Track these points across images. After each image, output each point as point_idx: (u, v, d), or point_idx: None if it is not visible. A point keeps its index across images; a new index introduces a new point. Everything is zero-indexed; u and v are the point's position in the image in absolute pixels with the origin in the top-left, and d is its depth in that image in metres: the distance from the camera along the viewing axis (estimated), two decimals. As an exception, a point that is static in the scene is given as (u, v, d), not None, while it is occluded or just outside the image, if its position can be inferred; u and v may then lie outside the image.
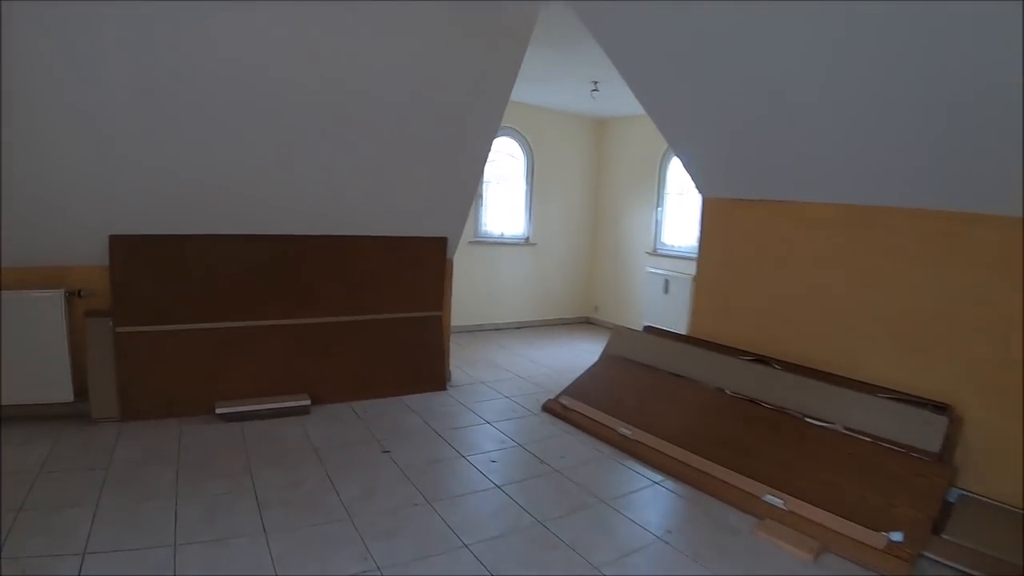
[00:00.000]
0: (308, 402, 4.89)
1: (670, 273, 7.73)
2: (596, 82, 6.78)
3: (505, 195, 8.61)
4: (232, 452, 4.12)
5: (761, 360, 4.71)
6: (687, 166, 5.31)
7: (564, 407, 5.08)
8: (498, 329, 8.46)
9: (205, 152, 4.25)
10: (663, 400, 4.77)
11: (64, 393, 4.44)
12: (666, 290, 7.75)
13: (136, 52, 3.63)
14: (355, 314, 5.29)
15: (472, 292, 7.87)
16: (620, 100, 7.36)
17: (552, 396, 5.33)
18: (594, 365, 5.54)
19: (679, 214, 8.12)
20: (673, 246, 8.17)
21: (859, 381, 4.16)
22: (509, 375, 6.39)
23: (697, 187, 5.46)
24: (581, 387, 5.33)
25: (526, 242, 8.82)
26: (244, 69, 3.93)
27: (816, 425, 4.01)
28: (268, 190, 4.64)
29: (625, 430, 4.53)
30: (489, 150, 5.30)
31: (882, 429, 3.75)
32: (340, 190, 4.87)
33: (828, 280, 4.47)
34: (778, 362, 4.62)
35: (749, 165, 4.71)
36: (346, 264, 5.21)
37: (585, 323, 9.31)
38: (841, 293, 4.39)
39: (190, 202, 4.49)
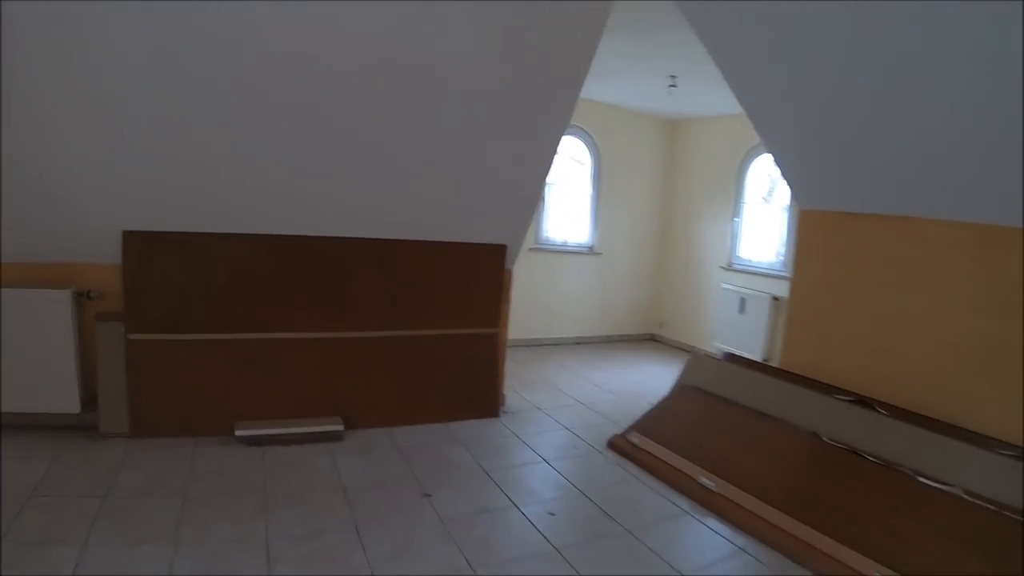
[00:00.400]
0: (341, 427, 4.30)
1: (746, 291, 7.06)
2: (674, 77, 6.08)
3: (569, 199, 7.91)
4: (248, 486, 3.57)
5: (862, 402, 4.03)
6: (786, 173, 4.62)
7: (633, 446, 4.40)
8: (557, 344, 7.78)
9: (232, 143, 3.74)
10: (749, 444, 4.09)
11: (70, 403, 4.00)
12: (741, 309, 7.09)
13: (154, 33, 3.19)
14: (399, 328, 4.64)
15: (530, 303, 7.19)
16: (698, 98, 6.77)
17: (619, 430, 4.66)
18: (667, 396, 4.86)
19: (758, 226, 7.41)
20: (750, 261, 7.43)
21: (981, 434, 3.49)
22: (569, 401, 5.69)
23: (795, 197, 4.78)
24: (653, 422, 4.64)
25: (590, 251, 8.08)
26: (279, 54, 3.44)
27: (931, 486, 3.33)
28: (303, 186, 4.07)
29: (706, 480, 3.84)
30: (557, 148, 4.62)
31: (1009, 496, 3.09)
32: (386, 187, 4.25)
33: (948, 311, 3.80)
34: (882, 405, 3.94)
35: (860, 173, 4.02)
36: (390, 271, 4.57)
37: (649, 340, 8.59)
38: (963, 327, 3.71)
39: (214, 197, 3.97)
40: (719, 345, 7.14)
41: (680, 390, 5.00)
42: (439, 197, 4.45)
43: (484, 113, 4.09)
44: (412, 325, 4.67)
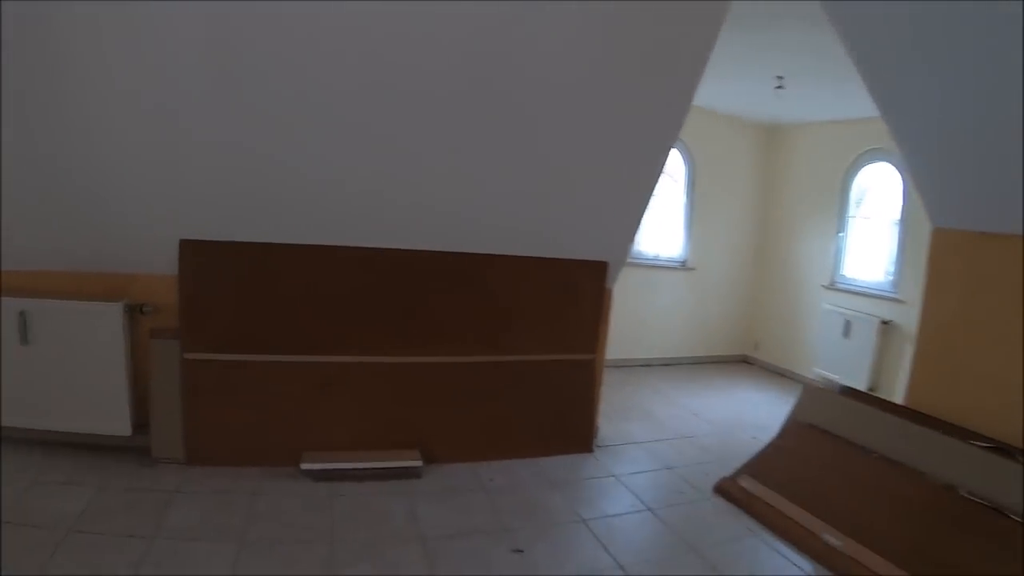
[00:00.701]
0: (419, 462, 3.80)
1: (851, 312, 6.37)
2: (781, 77, 5.44)
3: (661, 210, 7.30)
4: (314, 533, 3.09)
5: (1002, 450, 3.33)
6: (921, 185, 3.97)
7: (745, 492, 3.76)
8: (647, 365, 7.18)
9: (304, 145, 3.31)
10: (876, 496, 3.47)
11: (121, 425, 3.63)
12: (845, 333, 6.39)
13: (216, 27, 2.82)
14: (486, 354, 4.10)
15: (620, 321, 6.52)
16: (803, 101, 6.13)
17: (724, 470, 3.99)
18: (780, 434, 4.20)
19: (865, 242, 6.71)
20: (856, 280, 6.71)
21: None
22: (666, 432, 5.06)
23: (929, 213, 4.10)
24: (766, 465, 4.00)
25: (683, 266, 7.47)
26: (360, 52, 3.01)
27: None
28: (382, 193, 3.59)
29: (831, 538, 3.23)
30: (666, 158, 4.02)
31: None
32: (478, 196, 3.73)
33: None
34: (1024, 454, 3.27)
35: (1011, 187, 3.32)
36: (478, 290, 4.03)
37: (742, 362, 7.92)
38: None
39: (282, 204, 3.53)
40: (819, 371, 6.53)
41: (793, 427, 4.35)
42: (535, 209, 3.90)
43: (587, 119, 3.57)
44: (501, 350, 4.12)
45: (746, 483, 3.78)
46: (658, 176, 4.04)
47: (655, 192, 4.06)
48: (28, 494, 3.15)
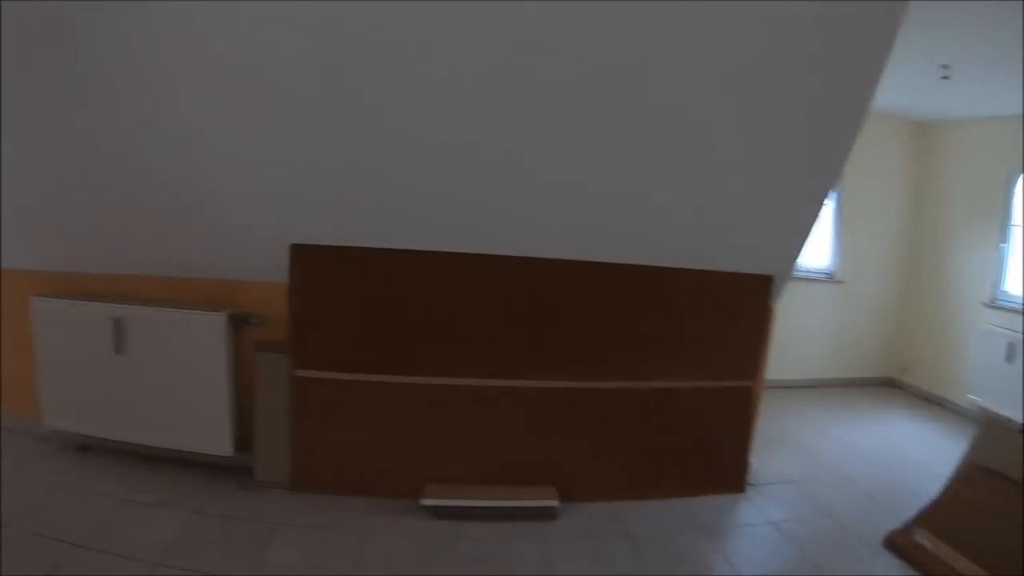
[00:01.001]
0: (555, 502, 3.32)
1: (1017, 335, 5.58)
2: (947, 67, 4.75)
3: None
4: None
5: None
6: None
7: (923, 551, 3.16)
8: (786, 387, 6.46)
9: (430, 142, 2.89)
10: None
11: (222, 445, 3.35)
12: (1009, 357, 5.60)
13: (329, 12, 2.48)
14: (629, 379, 3.56)
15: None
16: (967, 95, 5.40)
17: (893, 519, 3.44)
18: (956, 480, 3.59)
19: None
20: (1021, 297, 5.87)
21: None
22: (823, 470, 4.40)
23: None
24: (943, 517, 3.40)
25: (830, 278, 6.77)
26: (492, 39, 2.58)
27: None
28: (518, 194, 3.13)
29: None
30: (844, 161, 3.35)
31: None
32: (625, 198, 3.20)
33: None
34: None
35: None
36: (621, 305, 3.50)
37: (888, 385, 7.11)
38: None
39: (404, 205, 3.13)
40: (975, 399, 5.78)
41: (971, 471, 3.69)
42: (692, 214, 3.33)
43: (756, 107, 3.00)
44: (646, 375, 3.58)
45: (923, 539, 3.22)
46: (832, 180, 3.42)
47: (829, 198, 3.44)
48: (115, 514, 2.92)
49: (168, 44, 2.61)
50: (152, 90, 2.74)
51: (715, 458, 3.73)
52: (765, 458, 4.26)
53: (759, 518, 3.55)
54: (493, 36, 2.56)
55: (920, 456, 4.40)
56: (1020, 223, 5.95)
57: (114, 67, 2.66)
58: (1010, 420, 5.04)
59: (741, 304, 3.61)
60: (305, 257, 3.18)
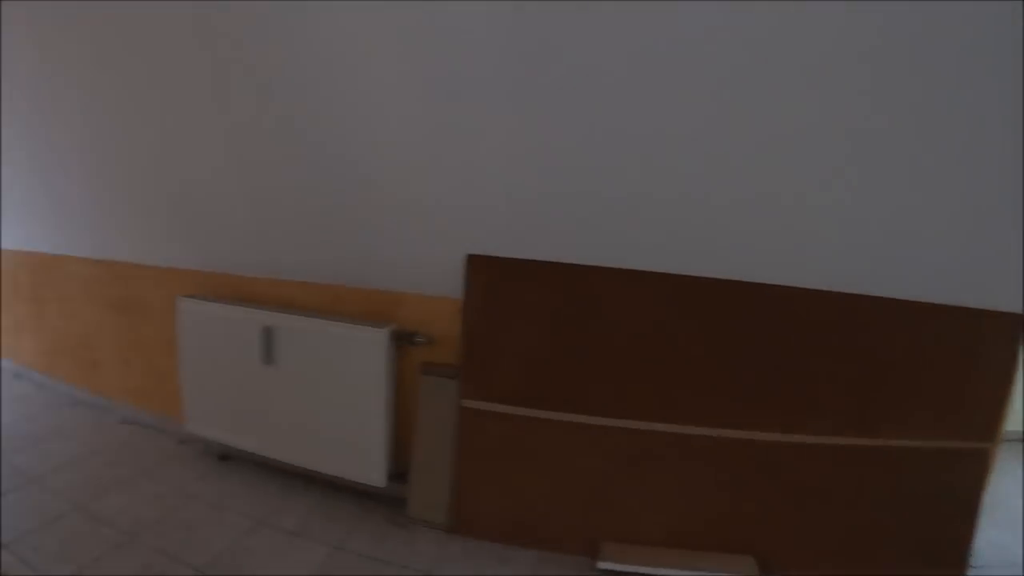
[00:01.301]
0: (755, 574, 2.72)
1: None
2: None
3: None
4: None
5: None
6: None
7: None
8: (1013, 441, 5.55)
9: (658, 141, 2.30)
10: None
11: (374, 474, 2.97)
12: None
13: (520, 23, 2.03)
14: (845, 434, 2.90)
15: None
16: None
17: None
18: None
19: None
20: None
21: None
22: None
23: None
24: None
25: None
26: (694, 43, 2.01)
27: None
28: (739, 207, 2.49)
29: None
30: None
31: None
32: (845, 213, 2.51)
33: None
34: None
35: None
36: (837, 344, 2.82)
37: None
38: None
39: (604, 212, 2.57)
40: None
41: None
42: (929, 233, 2.60)
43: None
44: (866, 430, 2.91)
45: None
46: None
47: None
48: (249, 539, 2.66)
49: (346, 41, 2.27)
50: (323, 88, 2.42)
51: (935, 533, 3.03)
52: (984, 530, 3.53)
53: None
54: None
55: None
56: None
57: (287, 65, 2.40)
58: None
59: (982, 346, 2.88)
60: (486, 269, 2.72)
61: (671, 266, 2.64)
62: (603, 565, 2.70)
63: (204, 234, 3.23)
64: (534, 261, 2.69)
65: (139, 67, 2.76)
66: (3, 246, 4.68)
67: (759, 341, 2.75)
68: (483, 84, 2.23)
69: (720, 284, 2.68)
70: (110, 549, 2.55)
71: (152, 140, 3.01)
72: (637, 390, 2.77)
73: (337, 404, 2.94)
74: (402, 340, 2.87)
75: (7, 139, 3.49)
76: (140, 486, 3.09)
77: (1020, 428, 4.99)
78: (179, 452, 3.50)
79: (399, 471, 2.98)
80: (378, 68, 2.30)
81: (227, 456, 3.40)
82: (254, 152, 2.71)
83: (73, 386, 4.32)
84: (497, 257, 2.71)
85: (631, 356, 2.76)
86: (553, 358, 2.78)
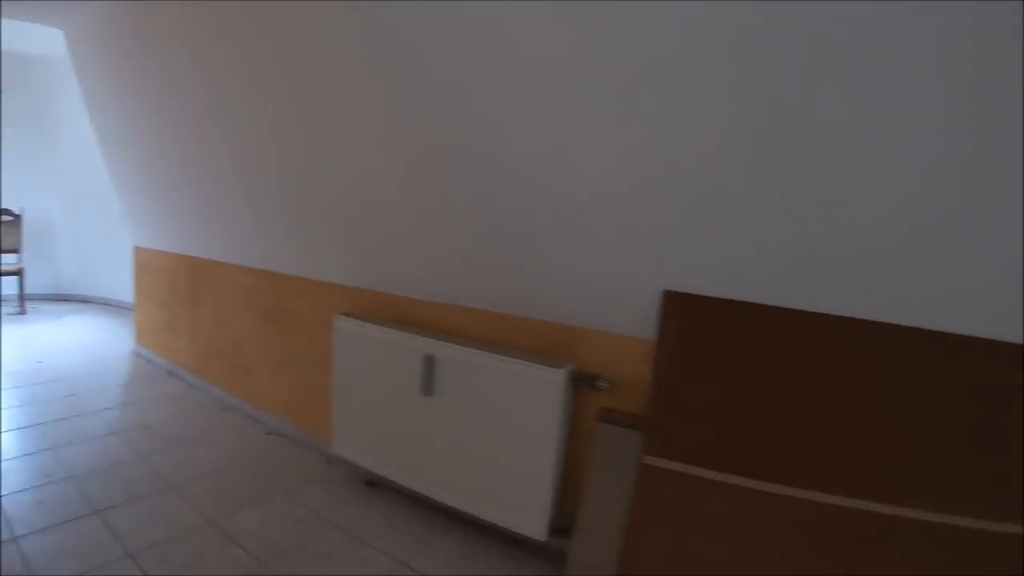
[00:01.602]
0: None
1: None
2: None
3: None
4: None
5: None
6: None
7: None
8: None
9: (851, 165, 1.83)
10: None
11: (535, 526, 2.63)
12: None
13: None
14: None
15: None
16: None
17: None
18: None
19: None
20: None
21: None
22: None
23: None
24: None
25: None
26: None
27: None
28: (972, 241, 1.96)
29: None
30: None
31: None
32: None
33: None
34: None
35: None
36: None
37: None
38: None
39: (820, 248, 2.10)
40: None
41: None
42: None
43: None
44: None
45: None
46: None
47: None
48: None
49: (539, 57, 1.97)
50: (515, 107, 2.14)
51: None
52: None
53: None
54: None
55: None
56: None
57: (478, 78, 2.14)
58: None
59: None
60: (686, 309, 2.34)
61: (921, 320, 2.16)
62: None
63: (367, 252, 3.04)
64: (748, 303, 2.28)
65: (318, 92, 2.69)
66: (167, 248, 4.74)
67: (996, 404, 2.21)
68: (692, 105, 1.86)
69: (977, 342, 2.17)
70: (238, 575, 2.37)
71: (327, 163, 2.89)
72: (851, 459, 2.30)
73: (501, 445, 2.65)
74: (581, 383, 2.53)
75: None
76: (279, 505, 2.95)
77: None
78: (324, 472, 3.35)
79: (564, 526, 2.65)
80: (569, 89, 1.99)
81: (373, 483, 3.19)
82: (427, 174, 2.48)
83: (221, 389, 4.28)
84: (700, 296, 2.31)
85: (843, 415, 2.30)
86: (757, 417, 2.36)
